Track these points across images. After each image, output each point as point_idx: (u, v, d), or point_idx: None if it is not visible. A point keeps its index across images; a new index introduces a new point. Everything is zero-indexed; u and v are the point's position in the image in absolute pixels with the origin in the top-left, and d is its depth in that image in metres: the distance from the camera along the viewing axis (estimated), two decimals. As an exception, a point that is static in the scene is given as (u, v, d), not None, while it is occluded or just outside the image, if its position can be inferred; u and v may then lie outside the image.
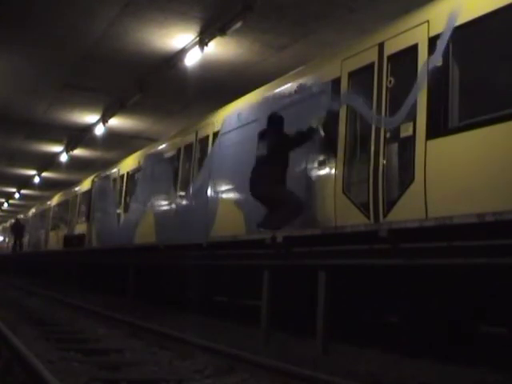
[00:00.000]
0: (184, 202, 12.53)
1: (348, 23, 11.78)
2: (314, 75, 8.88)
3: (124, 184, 16.77)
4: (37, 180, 32.09)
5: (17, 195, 39.57)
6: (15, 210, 45.44)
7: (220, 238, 9.77)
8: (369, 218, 7.06)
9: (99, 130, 20.23)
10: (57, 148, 25.32)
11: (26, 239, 33.29)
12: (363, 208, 7.21)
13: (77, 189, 23.47)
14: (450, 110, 6.38)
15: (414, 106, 6.75)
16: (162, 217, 13.50)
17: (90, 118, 20.23)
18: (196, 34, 12.74)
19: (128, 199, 16.18)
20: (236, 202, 10.18)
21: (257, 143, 8.83)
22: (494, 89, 6.10)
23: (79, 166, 27.42)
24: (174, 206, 12.98)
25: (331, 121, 8.08)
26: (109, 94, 17.48)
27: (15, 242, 33.10)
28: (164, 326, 8.01)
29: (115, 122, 19.87)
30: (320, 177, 8.19)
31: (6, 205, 46.00)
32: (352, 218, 7.27)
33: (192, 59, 13.36)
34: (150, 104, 17.95)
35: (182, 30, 12.69)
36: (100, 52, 14.25)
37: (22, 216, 37.16)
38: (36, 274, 25.31)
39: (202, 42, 12.64)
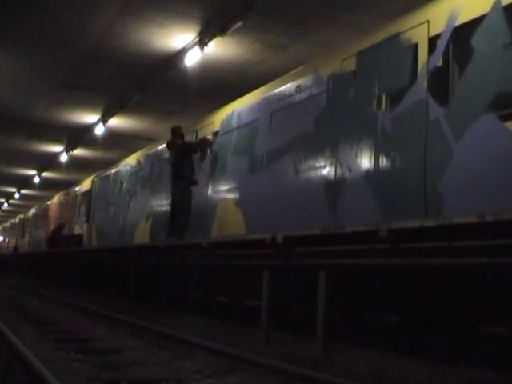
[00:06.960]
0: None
1: (348, 23, 11.79)
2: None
3: None
4: (37, 180, 32.07)
5: (17, 195, 39.57)
6: (15, 209, 45.45)
7: (220, 238, 9.76)
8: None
9: (99, 130, 20.23)
10: (57, 148, 25.32)
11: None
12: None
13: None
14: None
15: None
16: (160, 217, 13.47)
17: (90, 117, 20.23)
18: (196, 34, 12.75)
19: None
20: (236, 202, 10.17)
21: None
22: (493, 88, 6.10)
23: (79, 166, 27.42)
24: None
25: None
26: (109, 94, 17.49)
27: None
28: (164, 326, 8.00)
29: (115, 121, 19.87)
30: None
31: (6, 205, 46.00)
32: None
33: (192, 59, 13.37)
34: (150, 104, 17.95)
35: (182, 30, 12.70)
36: (100, 52, 14.26)
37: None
38: (36, 273, 25.25)
39: (202, 42, 12.65)
